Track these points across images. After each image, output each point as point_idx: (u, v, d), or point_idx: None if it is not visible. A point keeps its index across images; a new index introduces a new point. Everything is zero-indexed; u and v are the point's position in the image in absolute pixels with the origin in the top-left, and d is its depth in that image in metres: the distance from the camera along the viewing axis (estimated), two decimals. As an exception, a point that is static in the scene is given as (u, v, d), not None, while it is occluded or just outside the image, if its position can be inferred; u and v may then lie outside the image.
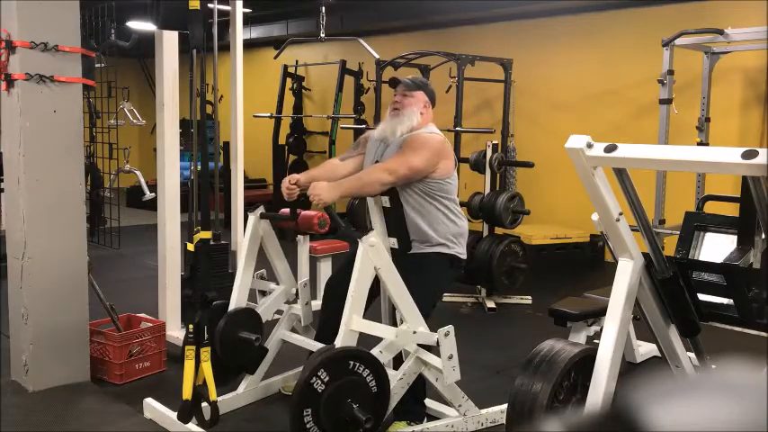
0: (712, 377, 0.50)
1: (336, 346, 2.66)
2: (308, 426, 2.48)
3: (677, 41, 5.23)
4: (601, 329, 2.70)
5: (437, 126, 3.22)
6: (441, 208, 3.05)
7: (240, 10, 4.23)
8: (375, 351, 2.77)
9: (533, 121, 7.36)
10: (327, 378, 2.52)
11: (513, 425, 2.54)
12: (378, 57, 6.58)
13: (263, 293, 3.65)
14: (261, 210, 3.33)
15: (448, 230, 3.07)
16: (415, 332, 2.81)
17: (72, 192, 3.51)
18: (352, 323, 2.71)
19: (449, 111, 5.66)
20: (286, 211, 3.41)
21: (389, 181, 2.92)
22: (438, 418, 3.13)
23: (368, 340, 2.82)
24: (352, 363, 2.58)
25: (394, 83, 3.19)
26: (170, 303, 4.09)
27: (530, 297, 5.42)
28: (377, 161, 3.12)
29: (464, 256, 3.16)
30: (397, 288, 2.79)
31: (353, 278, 2.73)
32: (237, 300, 3.26)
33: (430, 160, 2.97)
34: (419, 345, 2.84)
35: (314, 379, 2.49)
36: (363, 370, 2.60)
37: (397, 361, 2.95)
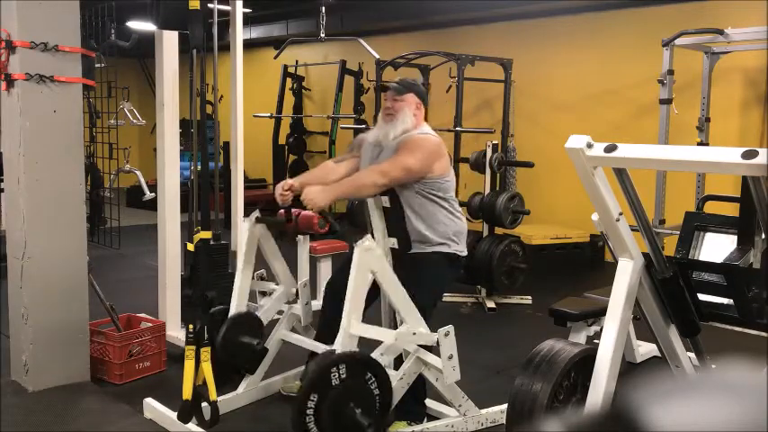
0: (712, 377, 0.50)
1: (335, 351, 2.65)
2: (308, 413, 2.44)
3: (677, 41, 5.23)
4: (601, 329, 2.70)
5: (438, 126, 3.23)
6: (439, 207, 3.06)
7: (240, 10, 4.22)
8: (376, 354, 2.76)
9: (533, 121, 7.36)
10: (344, 375, 2.49)
11: (513, 425, 2.54)
12: (378, 57, 6.58)
13: (264, 294, 3.65)
14: (257, 214, 3.34)
15: (447, 230, 3.07)
16: (414, 333, 2.81)
17: (72, 192, 3.51)
18: (351, 327, 2.70)
19: (449, 111, 5.66)
20: (282, 213, 3.42)
21: (383, 183, 2.94)
22: (438, 418, 3.13)
23: (369, 342, 2.82)
24: (369, 373, 2.56)
25: (383, 88, 3.18)
26: (170, 303, 4.08)
27: (530, 297, 5.42)
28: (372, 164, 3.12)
29: (464, 254, 3.16)
30: (394, 290, 2.78)
31: (350, 282, 2.73)
32: (238, 304, 3.26)
33: (425, 161, 2.98)
34: (419, 345, 2.84)
35: (333, 369, 2.46)
36: (373, 382, 2.58)
37: (398, 361, 2.95)
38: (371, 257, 2.73)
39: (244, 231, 3.35)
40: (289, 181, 3.15)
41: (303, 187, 2.98)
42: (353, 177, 3.05)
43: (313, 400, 2.45)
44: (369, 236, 2.81)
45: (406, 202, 3.04)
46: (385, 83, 3.19)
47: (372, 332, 2.82)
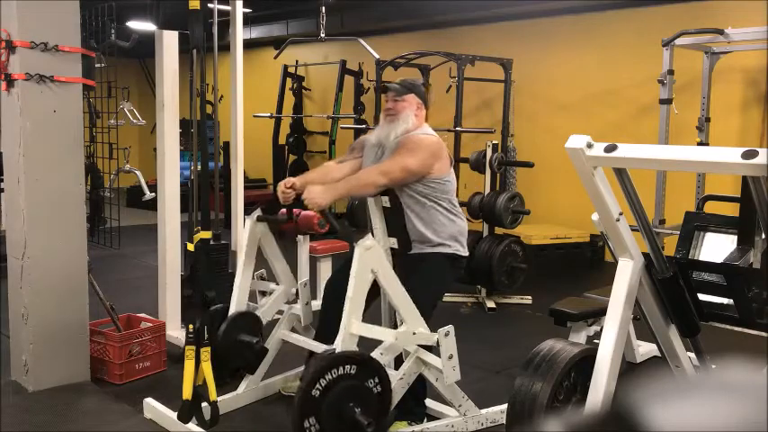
0: (712, 377, 0.50)
1: (335, 351, 2.65)
2: (307, 412, 2.44)
3: (677, 41, 5.23)
4: (601, 329, 2.70)
5: (438, 125, 3.22)
6: (439, 208, 3.05)
7: (240, 10, 4.22)
8: (376, 353, 2.76)
9: (533, 121, 7.36)
10: (326, 384, 2.48)
11: (513, 425, 2.54)
12: (378, 57, 6.58)
13: (264, 294, 3.65)
14: (258, 213, 3.33)
15: (447, 230, 3.07)
16: (414, 333, 2.80)
17: (72, 192, 3.51)
18: (352, 327, 2.70)
19: (449, 111, 5.66)
20: (284, 211, 3.42)
21: (383, 183, 2.95)
22: (438, 418, 3.13)
23: (369, 342, 2.81)
24: (349, 367, 2.55)
25: (384, 89, 3.18)
26: (170, 303, 4.09)
27: (530, 297, 5.42)
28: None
29: (464, 253, 3.16)
30: (394, 290, 2.78)
31: (351, 282, 2.72)
32: (237, 302, 3.26)
33: (425, 161, 2.98)
34: (419, 345, 2.84)
35: (313, 387, 2.46)
36: (362, 373, 2.57)
37: (398, 361, 2.95)
38: (372, 256, 2.73)
39: (245, 230, 3.34)
40: (291, 179, 3.14)
41: (305, 186, 2.97)
42: (354, 177, 3.05)
43: (312, 399, 2.44)
44: (369, 235, 2.80)
45: (405, 202, 3.04)
46: (386, 83, 3.18)
47: (373, 332, 2.81)
